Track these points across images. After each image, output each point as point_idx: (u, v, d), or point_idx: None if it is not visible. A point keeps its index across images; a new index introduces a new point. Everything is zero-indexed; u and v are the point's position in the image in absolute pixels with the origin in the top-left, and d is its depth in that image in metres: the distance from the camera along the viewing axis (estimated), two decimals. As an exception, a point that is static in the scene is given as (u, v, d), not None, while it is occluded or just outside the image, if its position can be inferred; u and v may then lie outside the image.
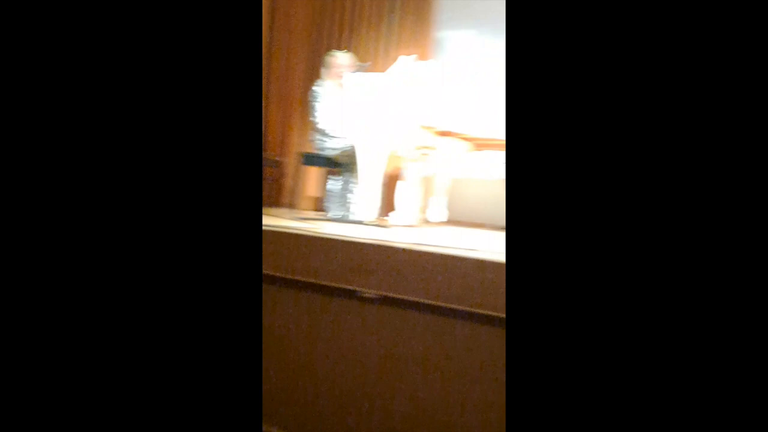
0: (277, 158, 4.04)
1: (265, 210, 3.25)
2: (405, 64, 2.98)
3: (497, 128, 2.78)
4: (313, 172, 3.97)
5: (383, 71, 3.99)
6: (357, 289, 1.71)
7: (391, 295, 1.68)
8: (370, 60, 3.98)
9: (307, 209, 4.08)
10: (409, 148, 3.09)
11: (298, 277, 1.81)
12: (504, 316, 1.51)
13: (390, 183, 4.17)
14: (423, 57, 3.93)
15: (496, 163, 4.67)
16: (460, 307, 1.58)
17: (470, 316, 1.57)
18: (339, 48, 4.09)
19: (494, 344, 1.54)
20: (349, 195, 3.24)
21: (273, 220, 2.40)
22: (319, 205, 3.58)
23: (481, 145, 3.44)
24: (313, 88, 3.36)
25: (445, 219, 3.54)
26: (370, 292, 1.71)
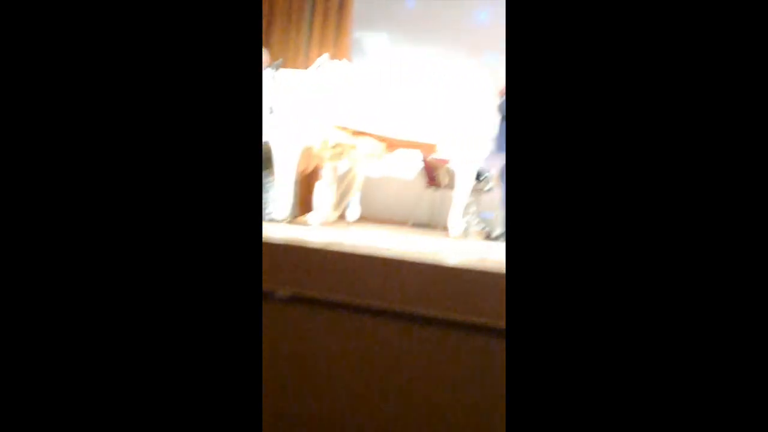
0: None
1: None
2: (324, 63, 3.02)
3: (410, 129, 2.91)
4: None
5: (302, 69, 4.01)
6: (270, 290, 1.74)
7: (305, 294, 1.73)
8: (282, 57, 3.97)
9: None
10: (327, 147, 3.14)
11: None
12: (425, 314, 1.61)
13: (310, 182, 4.19)
14: (341, 56, 3.98)
15: (410, 162, 4.83)
16: (378, 305, 1.65)
17: (384, 314, 1.66)
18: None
19: (406, 341, 1.64)
20: (264, 194, 3.24)
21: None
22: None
23: (394, 145, 3.56)
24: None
25: (358, 216, 3.63)
26: (283, 293, 1.74)
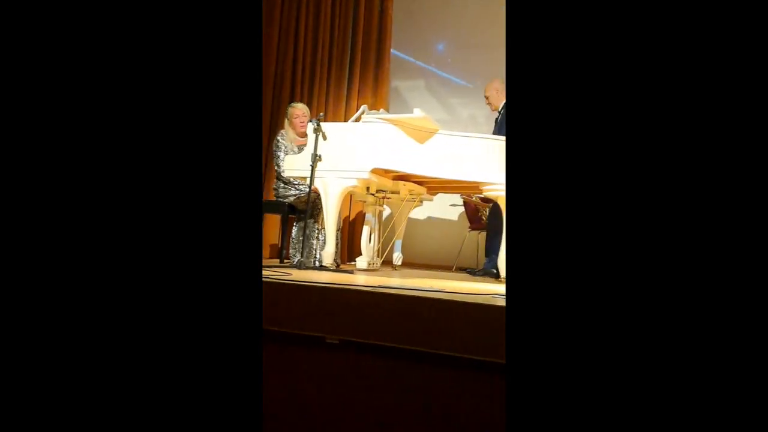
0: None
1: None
2: (365, 112, 3.11)
3: (450, 171, 2.92)
4: (273, 220, 3.99)
5: (344, 120, 4.12)
6: (322, 335, 1.74)
7: (355, 339, 1.71)
8: (323, 111, 4.13)
9: (268, 257, 4.08)
10: (370, 193, 3.19)
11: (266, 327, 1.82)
12: (468, 357, 1.57)
13: (356, 228, 4.23)
14: (380, 106, 4.09)
15: (451, 204, 4.83)
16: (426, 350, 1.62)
17: (432, 358, 1.62)
18: (300, 99, 4.21)
19: (458, 386, 1.59)
20: (313, 241, 3.29)
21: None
22: (278, 253, 3.60)
23: (435, 188, 3.58)
24: (276, 137, 3.44)
25: (400, 262, 3.62)
26: (334, 338, 1.74)
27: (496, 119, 3.58)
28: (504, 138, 3.11)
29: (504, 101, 3.54)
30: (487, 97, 3.66)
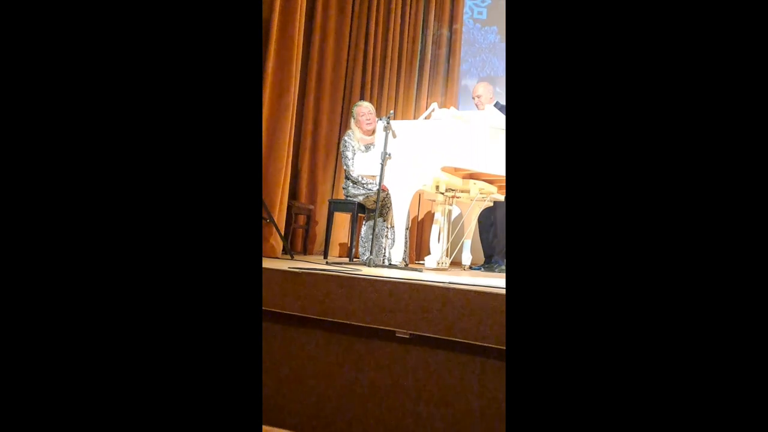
0: (309, 206, 4.15)
1: (297, 257, 3.33)
2: (435, 110, 3.09)
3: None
4: (344, 219, 4.05)
5: (413, 118, 4.12)
6: (393, 329, 1.74)
7: (424, 334, 1.70)
8: (393, 109, 4.14)
9: (337, 255, 4.15)
10: (439, 192, 3.16)
11: (334, 319, 1.84)
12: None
13: (424, 227, 4.21)
14: (449, 104, 4.06)
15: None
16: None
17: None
18: (369, 97, 4.25)
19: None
20: (382, 239, 3.30)
21: (306, 264, 2.46)
22: (347, 251, 3.64)
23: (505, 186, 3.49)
24: (344, 137, 3.49)
25: (470, 263, 3.55)
26: (404, 332, 1.73)
27: None
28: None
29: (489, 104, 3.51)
30: (479, 96, 3.59)
